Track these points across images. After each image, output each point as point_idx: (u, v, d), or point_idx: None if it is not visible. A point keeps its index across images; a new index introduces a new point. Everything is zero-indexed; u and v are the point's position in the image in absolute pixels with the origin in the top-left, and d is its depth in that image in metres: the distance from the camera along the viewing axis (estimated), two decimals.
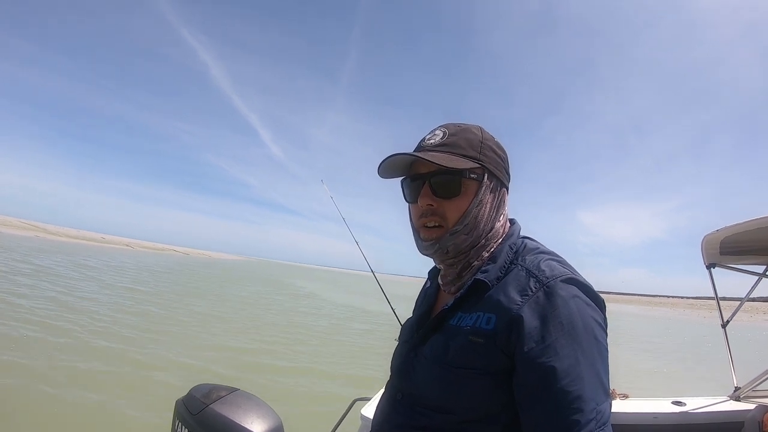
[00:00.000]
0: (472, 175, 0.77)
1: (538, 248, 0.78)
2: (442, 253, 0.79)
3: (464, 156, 0.77)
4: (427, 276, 0.99)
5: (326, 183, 2.52)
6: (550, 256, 0.74)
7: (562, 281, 0.68)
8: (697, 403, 2.10)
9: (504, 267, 0.75)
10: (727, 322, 2.44)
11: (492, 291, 0.72)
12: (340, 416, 1.98)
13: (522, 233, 0.85)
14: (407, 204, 0.85)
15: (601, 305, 0.70)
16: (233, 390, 1.15)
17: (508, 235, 0.81)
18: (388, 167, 0.80)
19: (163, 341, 7.68)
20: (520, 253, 0.77)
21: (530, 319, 0.65)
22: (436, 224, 0.78)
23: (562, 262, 0.74)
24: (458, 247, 0.78)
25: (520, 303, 0.67)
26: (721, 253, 2.34)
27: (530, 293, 0.68)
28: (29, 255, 22.39)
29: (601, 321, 0.69)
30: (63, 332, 7.15)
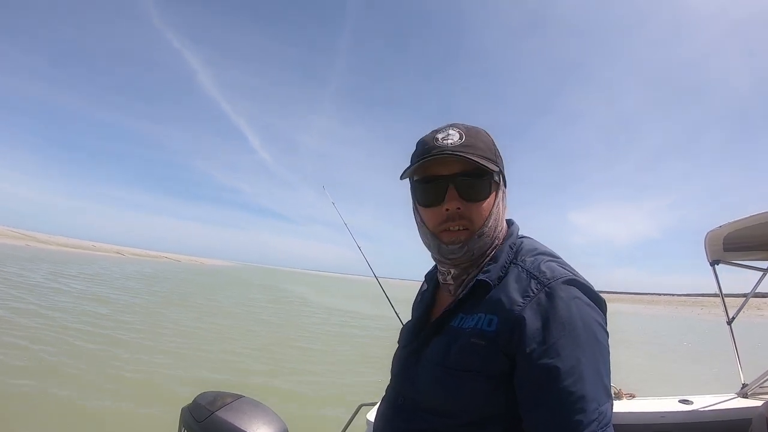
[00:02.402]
0: (496, 178, 0.78)
1: (537, 249, 0.78)
2: (469, 256, 0.77)
3: (487, 158, 0.76)
4: (423, 279, 0.97)
5: (324, 189, 2.51)
6: (550, 257, 0.75)
7: (563, 282, 0.68)
8: (704, 401, 2.08)
9: (505, 267, 0.75)
10: (733, 318, 2.44)
11: (493, 292, 0.72)
12: (346, 421, 1.97)
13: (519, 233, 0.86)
14: (417, 206, 0.81)
15: (601, 306, 0.71)
16: (238, 397, 1.15)
17: (508, 235, 0.82)
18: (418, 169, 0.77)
19: (158, 349, 7.55)
20: (519, 253, 0.77)
21: (532, 321, 0.66)
22: (463, 227, 0.76)
23: (562, 263, 0.74)
24: (481, 250, 0.77)
25: (521, 304, 0.68)
26: (725, 250, 2.33)
27: (532, 295, 0.68)
28: (6, 265, 21.67)
29: (602, 321, 0.69)
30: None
